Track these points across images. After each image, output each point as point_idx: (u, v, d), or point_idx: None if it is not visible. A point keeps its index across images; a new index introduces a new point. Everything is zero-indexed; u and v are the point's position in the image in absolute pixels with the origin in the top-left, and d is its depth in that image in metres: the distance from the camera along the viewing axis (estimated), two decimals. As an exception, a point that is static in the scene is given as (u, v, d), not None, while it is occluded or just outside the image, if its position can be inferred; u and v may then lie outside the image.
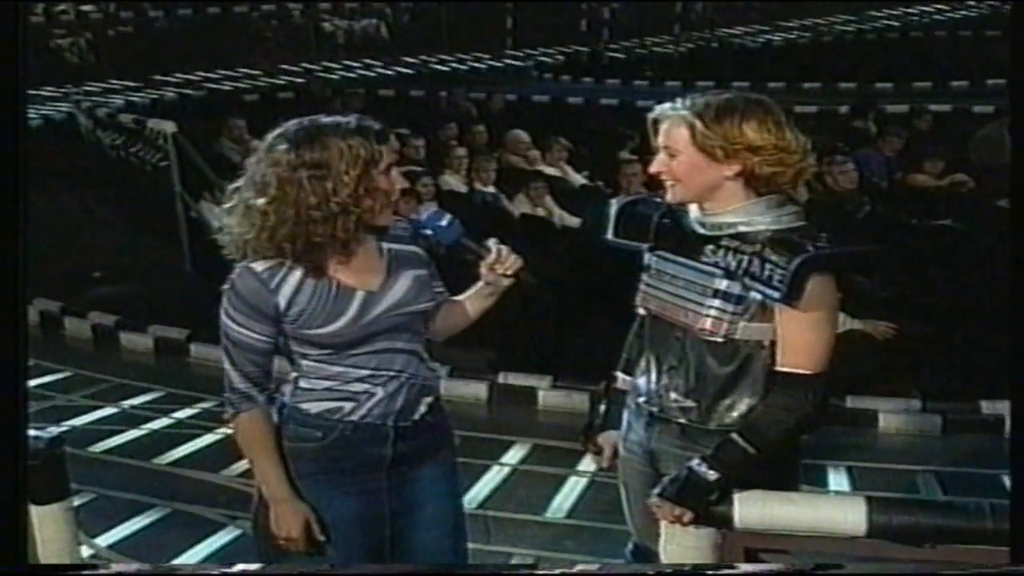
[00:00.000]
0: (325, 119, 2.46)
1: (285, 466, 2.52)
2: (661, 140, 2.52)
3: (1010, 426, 2.15)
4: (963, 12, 20.62)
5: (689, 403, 2.53)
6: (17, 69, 2.25)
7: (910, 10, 20.83)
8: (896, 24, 19.97)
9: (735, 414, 2.49)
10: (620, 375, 2.80)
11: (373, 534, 2.59)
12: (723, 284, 2.45)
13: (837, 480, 5.02)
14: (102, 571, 2.72)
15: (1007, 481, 5.13)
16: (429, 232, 2.60)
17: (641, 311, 2.67)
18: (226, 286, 2.47)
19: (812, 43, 18.43)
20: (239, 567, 2.53)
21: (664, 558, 2.45)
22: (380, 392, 2.53)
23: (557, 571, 3.33)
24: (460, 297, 2.72)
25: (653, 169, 2.55)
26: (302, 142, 2.40)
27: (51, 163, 10.57)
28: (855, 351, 5.43)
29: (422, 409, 2.59)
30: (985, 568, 2.24)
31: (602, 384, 2.87)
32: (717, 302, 2.45)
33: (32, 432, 2.79)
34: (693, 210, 2.54)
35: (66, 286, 7.78)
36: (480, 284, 2.68)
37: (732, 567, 2.36)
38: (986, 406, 5.65)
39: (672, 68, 15.93)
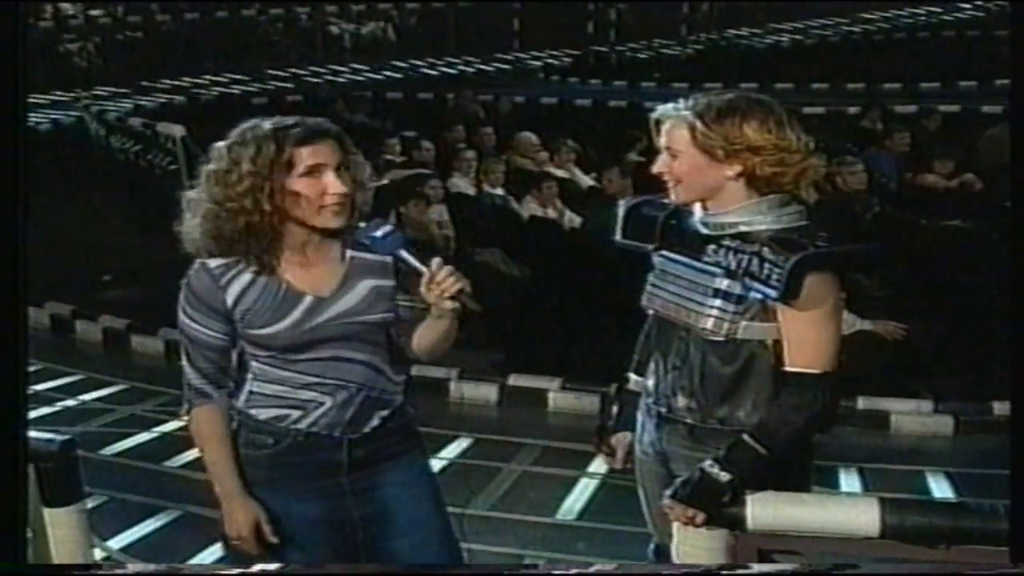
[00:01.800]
0: (272, 121, 2.45)
1: (238, 463, 2.51)
2: (663, 141, 2.52)
3: (1011, 426, 2.14)
4: (971, 12, 20.58)
5: (693, 403, 2.53)
6: (17, 72, 2.24)
7: (917, 10, 20.79)
8: (904, 24, 19.93)
9: (740, 413, 2.49)
10: (632, 376, 2.80)
11: (340, 539, 2.56)
12: (724, 283, 2.45)
13: (849, 481, 5.01)
14: (103, 571, 2.71)
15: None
16: (367, 242, 2.47)
17: (649, 311, 2.67)
18: (183, 283, 2.50)
19: (820, 44, 18.41)
20: (238, 569, 2.52)
21: (676, 559, 2.45)
22: (328, 402, 2.49)
23: (557, 571, 3.33)
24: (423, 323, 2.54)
25: (655, 169, 2.55)
26: (235, 143, 2.44)
27: (61, 167, 10.63)
28: (866, 352, 5.42)
29: (374, 422, 2.53)
30: (996, 570, 2.23)
31: (614, 385, 2.86)
32: (718, 302, 2.45)
33: (44, 435, 2.81)
34: (697, 210, 2.54)
35: (77, 289, 7.81)
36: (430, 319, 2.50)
37: (746, 567, 2.35)
38: (998, 407, 5.62)
39: (679, 69, 15.92)
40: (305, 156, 2.40)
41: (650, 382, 2.65)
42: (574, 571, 2.18)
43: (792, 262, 2.36)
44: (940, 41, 17.90)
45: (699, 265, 2.50)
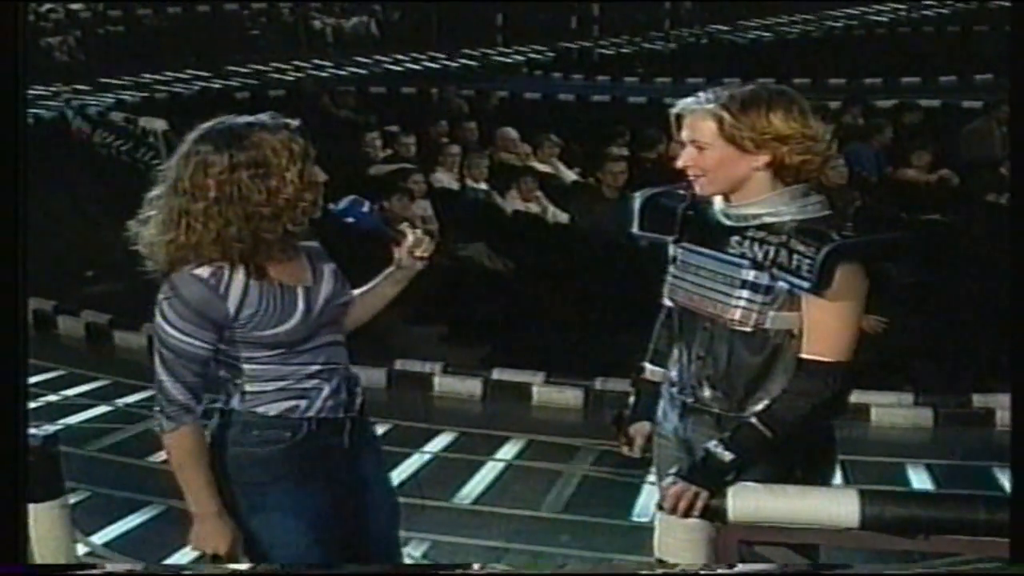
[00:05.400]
0: (242, 119, 2.45)
1: (216, 480, 2.49)
2: (686, 135, 2.51)
3: (1011, 426, 2.16)
4: (950, 7, 20.68)
5: (719, 393, 2.54)
6: (16, 70, 2.22)
7: (899, 6, 20.88)
8: (885, 20, 20.02)
9: (768, 402, 2.49)
10: (648, 366, 2.80)
11: (346, 526, 2.58)
12: (751, 275, 2.45)
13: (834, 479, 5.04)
14: (101, 571, 2.70)
15: (998, 473, 5.18)
16: (351, 220, 2.58)
17: (668, 303, 2.67)
18: (165, 295, 2.41)
19: (801, 39, 18.46)
20: (231, 567, 2.52)
21: (659, 550, 2.46)
22: (327, 387, 2.53)
23: (548, 572, 3.33)
24: (370, 285, 2.70)
25: (680, 163, 2.54)
26: (232, 143, 2.39)
27: (42, 162, 10.55)
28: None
29: (359, 399, 2.60)
30: (988, 566, 2.24)
31: (632, 375, 2.86)
32: (746, 292, 2.46)
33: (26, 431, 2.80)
34: (717, 202, 2.54)
35: (59, 284, 7.76)
36: (392, 269, 2.67)
37: (737, 567, 2.35)
38: (977, 399, 5.68)
39: (662, 64, 15.93)
40: (311, 148, 2.45)
41: (673, 372, 2.66)
42: (549, 572, 2.18)
43: (824, 253, 2.36)
44: (920, 37, 17.98)
45: (724, 256, 2.50)
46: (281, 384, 2.50)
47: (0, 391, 2.18)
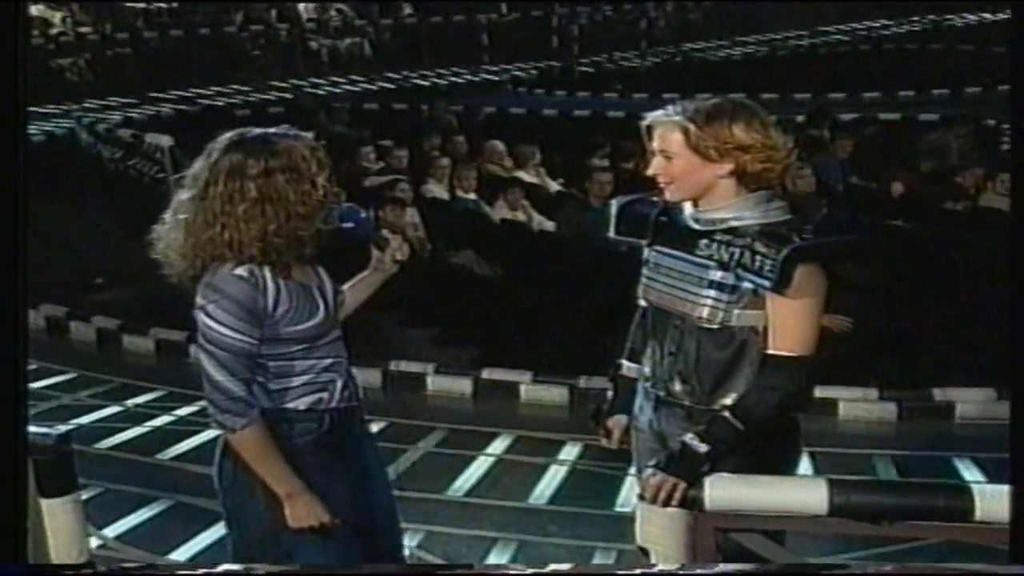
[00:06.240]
0: (266, 130, 2.48)
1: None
2: (656, 145, 2.54)
3: (1011, 425, 2.16)
4: (907, 27, 20.80)
5: (689, 387, 2.55)
6: (17, 81, 2.19)
7: (858, 25, 20.99)
8: (847, 39, 20.11)
9: (734, 395, 2.51)
10: (625, 363, 2.81)
11: (363, 512, 2.58)
12: (717, 275, 2.48)
13: (800, 464, 5.04)
14: (98, 570, 2.68)
15: (958, 463, 5.20)
16: (350, 225, 2.61)
17: (642, 302, 2.68)
18: (209, 299, 2.39)
19: (769, 56, 18.52)
20: (223, 567, 2.49)
21: (640, 538, 2.46)
22: (339, 378, 2.56)
23: (547, 569, 3.29)
24: (351, 284, 2.72)
25: (650, 172, 2.57)
26: (264, 149, 2.41)
27: (55, 176, 10.52)
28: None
29: (361, 389, 2.64)
30: (988, 566, 2.24)
31: (610, 372, 2.87)
32: (712, 292, 2.48)
33: (41, 430, 2.77)
34: (687, 207, 2.56)
35: (71, 292, 7.73)
36: (369, 272, 2.73)
37: (736, 565, 2.35)
38: (938, 393, 5.70)
39: (639, 81, 15.96)
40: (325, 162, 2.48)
41: (647, 368, 2.67)
42: (546, 569, 2.16)
43: (784, 254, 2.39)
44: (880, 54, 18.06)
45: (692, 258, 2.52)
46: (305, 379, 2.51)
47: (1, 395, 2.14)
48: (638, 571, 2.37)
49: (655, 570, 2.40)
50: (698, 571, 2.35)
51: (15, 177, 2.16)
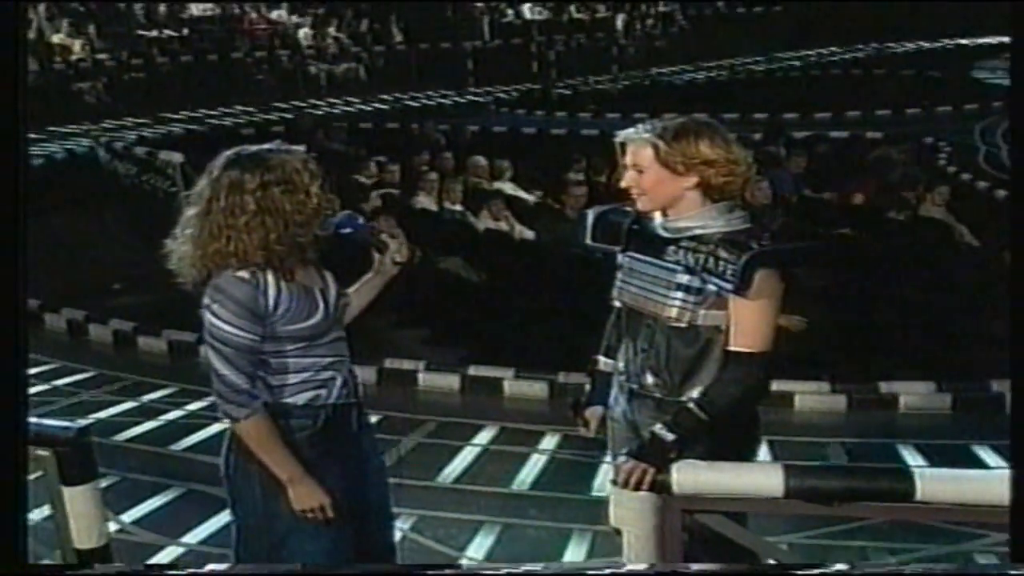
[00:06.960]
0: (260, 146, 2.47)
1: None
2: (629, 160, 2.56)
3: (1011, 425, 2.18)
4: (853, 55, 21.03)
5: (660, 380, 2.57)
6: (17, 89, 2.11)
7: (809, 52, 21.16)
8: (799, 64, 20.25)
9: (700, 388, 2.52)
10: (601, 358, 2.82)
11: (356, 504, 2.56)
12: (684, 279, 2.50)
13: (759, 452, 5.06)
14: (100, 571, 2.64)
15: (901, 449, 5.22)
16: (348, 230, 2.60)
17: (617, 304, 2.69)
18: (214, 299, 2.39)
19: (729, 80, 18.61)
20: (210, 567, 2.46)
21: (613, 520, 2.46)
22: (339, 377, 2.54)
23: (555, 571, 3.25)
24: (356, 287, 2.70)
25: (623, 184, 2.59)
26: (259, 165, 2.41)
27: (75, 190, 10.45)
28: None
29: (360, 388, 2.61)
30: (987, 566, 2.21)
31: (588, 367, 2.87)
32: (680, 294, 2.50)
33: (62, 423, 2.76)
34: (657, 217, 2.58)
35: (90, 296, 7.69)
36: (371, 274, 2.69)
37: (734, 565, 2.34)
38: (884, 386, 5.73)
39: (612, 102, 16.00)
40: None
41: (621, 363, 2.69)
42: (541, 570, 2.13)
43: (744, 259, 2.42)
44: (830, 78, 18.18)
45: (662, 263, 2.54)
46: (304, 376, 2.49)
47: (1, 395, 2.08)
48: (607, 571, 2.34)
49: (624, 570, 2.39)
50: (667, 571, 2.33)
51: (15, 182, 2.11)
